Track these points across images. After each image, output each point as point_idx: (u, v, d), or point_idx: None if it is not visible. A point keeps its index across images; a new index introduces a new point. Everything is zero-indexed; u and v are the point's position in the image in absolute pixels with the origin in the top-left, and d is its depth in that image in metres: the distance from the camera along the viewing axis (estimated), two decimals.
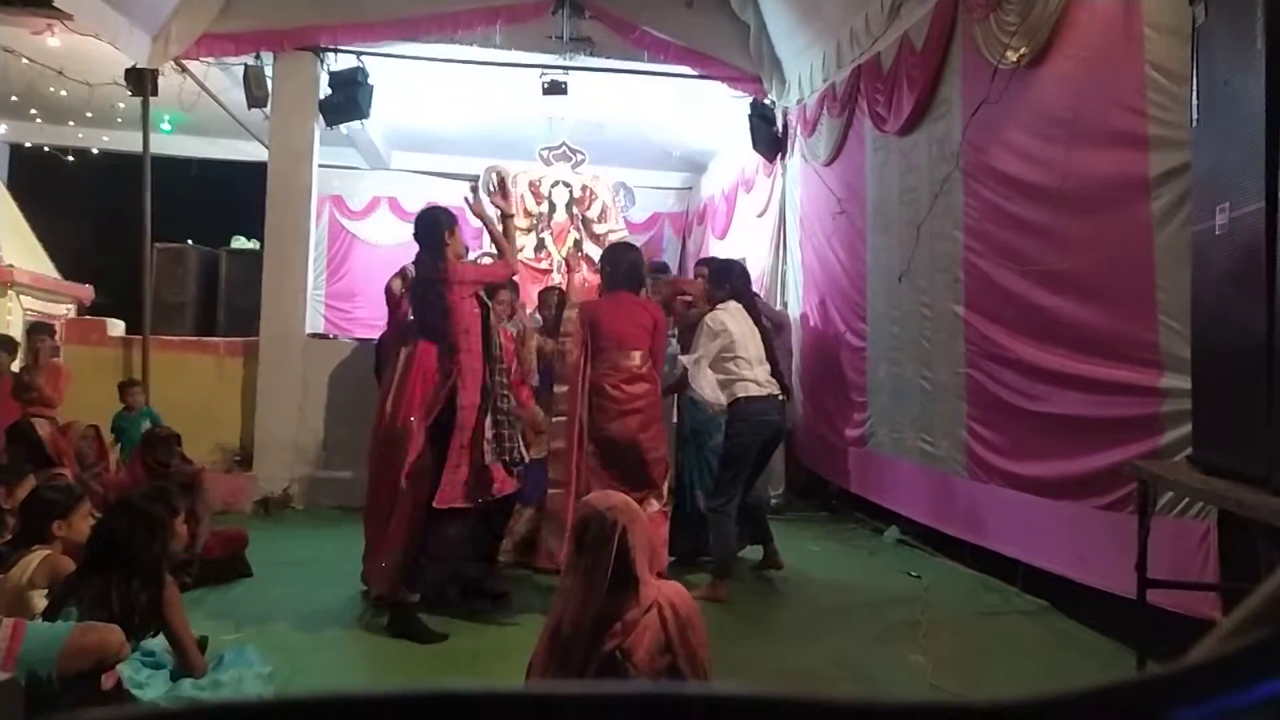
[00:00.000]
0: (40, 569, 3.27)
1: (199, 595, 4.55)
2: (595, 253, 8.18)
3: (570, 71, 7.64)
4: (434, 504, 4.14)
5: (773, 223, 8.32)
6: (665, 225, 12.26)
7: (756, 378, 4.89)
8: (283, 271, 7.44)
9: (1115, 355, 3.94)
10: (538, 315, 6.22)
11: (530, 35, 7.49)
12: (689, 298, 5.48)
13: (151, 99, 7.30)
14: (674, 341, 5.79)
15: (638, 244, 5.79)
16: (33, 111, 9.09)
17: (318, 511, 7.00)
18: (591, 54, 7.60)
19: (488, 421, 4.15)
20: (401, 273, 4.84)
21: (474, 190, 5.22)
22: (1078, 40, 4.25)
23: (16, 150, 10.40)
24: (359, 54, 7.46)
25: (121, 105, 8.17)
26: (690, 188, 12.06)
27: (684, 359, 4.93)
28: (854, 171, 6.73)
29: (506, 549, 4.99)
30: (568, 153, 8.87)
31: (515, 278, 5.35)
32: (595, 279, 5.73)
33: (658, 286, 5.59)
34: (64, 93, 8.22)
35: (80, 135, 9.76)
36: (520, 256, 6.30)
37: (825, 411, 7.18)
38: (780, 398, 5.07)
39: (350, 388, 7.29)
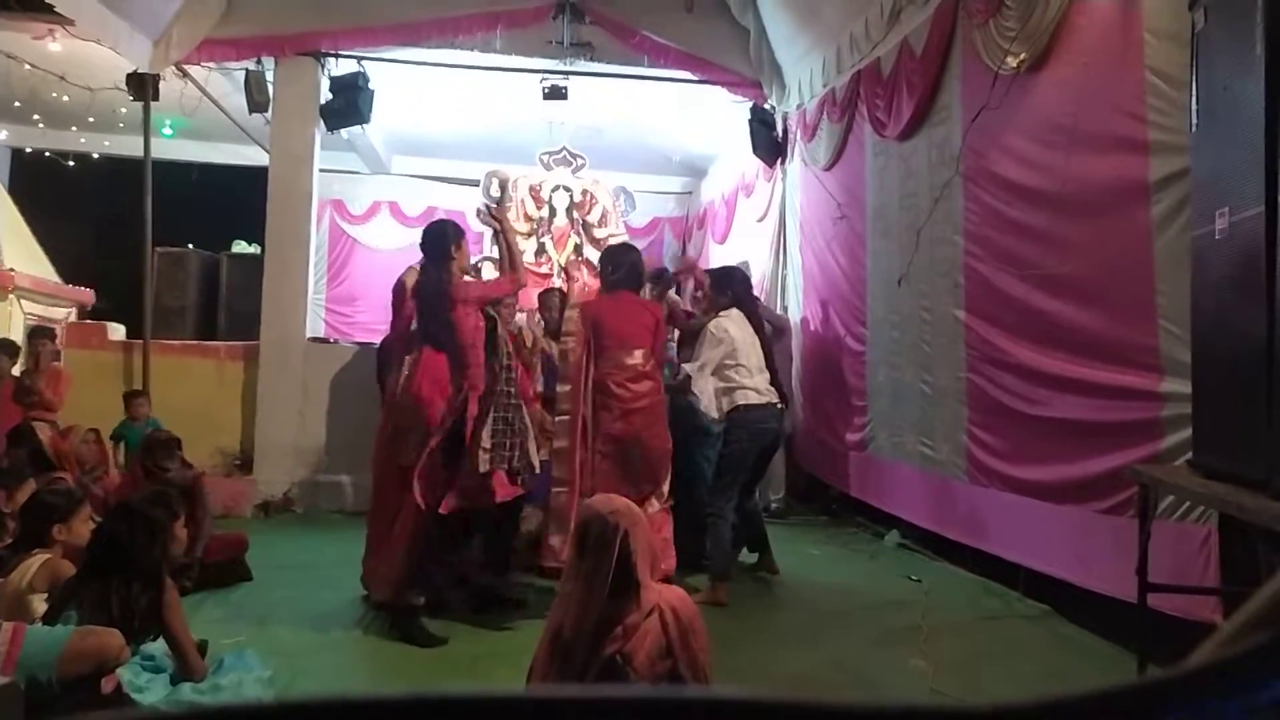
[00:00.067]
0: (40, 573, 3.27)
1: (199, 599, 4.54)
2: (595, 257, 8.18)
3: (570, 76, 7.64)
4: (438, 510, 4.15)
5: (773, 227, 8.32)
6: (665, 230, 12.26)
7: (757, 386, 4.93)
8: (283, 276, 7.44)
9: (1115, 359, 3.94)
10: (539, 317, 6.22)
11: (530, 40, 7.49)
12: (695, 294, 5.52)
13: (153, 104, 7.30)
14: (673, 346, 5.81)
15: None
16: (35, 117, 9.10)
17: (318, 515, 7.00)
18: (591, 59, 7.60)
19: (485, 431, 4.16)
20: (413, 270, 4.82)
21: (488, 208, 5.22)
22: (1077, 46, 4.25)
23: (18, 155, 10.41)
24: (360, 59, 7.47)
25: (123, 110, 8.18)
26: (690, 192, 12.07)
27: (687, 366, 4.94)
28: (854, 176, 6.74)
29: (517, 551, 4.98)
30: (568, 157, 8.87)
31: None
32: (595, 283, 5.72)
33: (658, 291, 5.60)
34: (66, 98, 8.23)
35: (82, 140, 9.77)
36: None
37: (825, 416, 7.18)
38: (779, 406, 5.09)
39: (351, 392, 7.29)
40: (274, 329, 7.41)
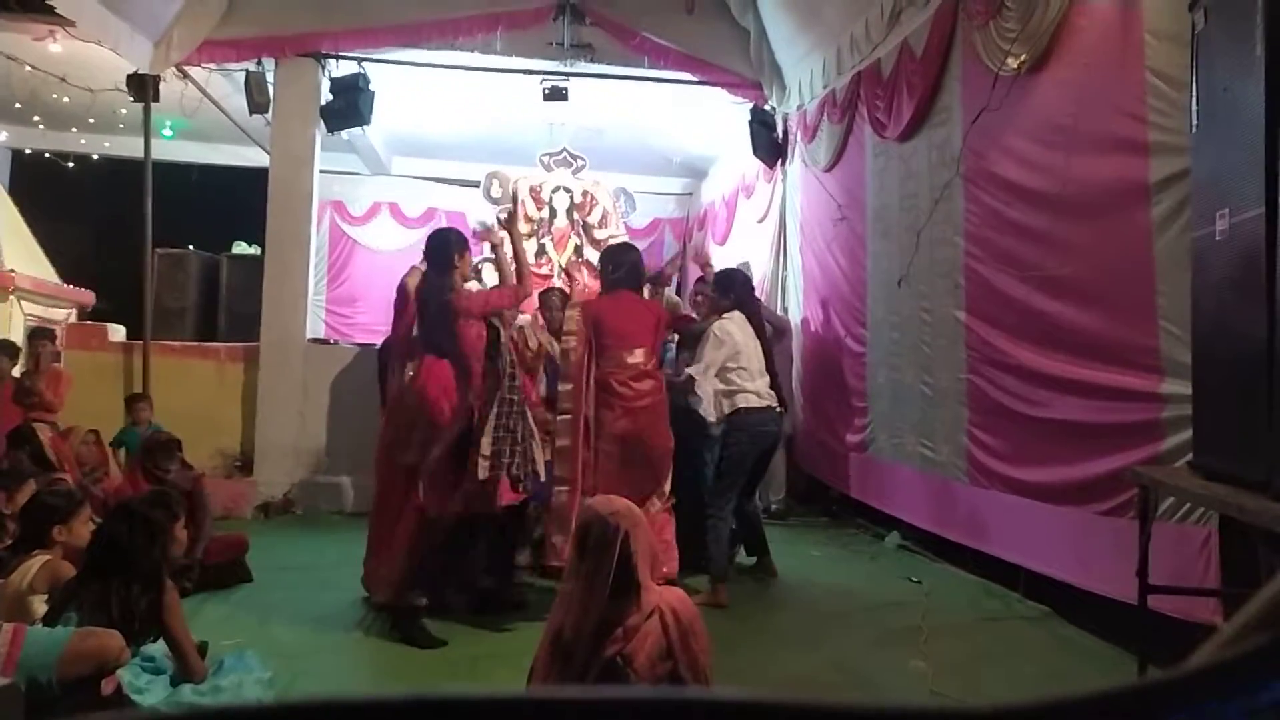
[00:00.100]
0: (40, 574, 3.27)
1: (199, 600, 4.54)
2: (595, 259, 8.18)
3: (571, 77, 7.64)
4: (431, 511, 4.17)
5: (773, 228, 8.32)
6: (666, 231, 12.26)
7: (758, 389, 4.96)
8: (283, 277, 7.45)
9: (1116, 360, 3.94)
10: (541, 318, 6.22)
11: (531, 41, 7.50)
12: (696, 298, 5.51)
13: (153, 105, 7.31)
14: (670, 347, 5.82)
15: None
16: (35, 118, 9.10)
17: (318, 517, 7.00)
18: (592, 60, 7.61)
19: (485, 439, 4.18)
20: (416, 270, 4.82)
21: (499, 219, 5.24)
22: (1078, 47, 4.25)
23: (18, 156, 10.41)
24: (360, 60, 7.47)
25: (123, 111, 8.19)
26: (690, 193, 12.07)
27: (691, 369, 4.94)
28: (854, 177, 6.74)
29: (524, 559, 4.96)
30: (568, 158, 8.87)
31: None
32: (594, 284, 5.74)
33: (656, 292, 5.61)
34: (66, 99, 8.23)
35: (82, 141, 9.78)
36: None
37: (826, 417, 7.18)
38: (778, 410, 5.13)
39: (351, 393, 7.29)
40: (274, 330, 7.41)
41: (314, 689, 3.55)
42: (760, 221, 8.67)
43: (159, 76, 7.22)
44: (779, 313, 7.81)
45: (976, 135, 5.00)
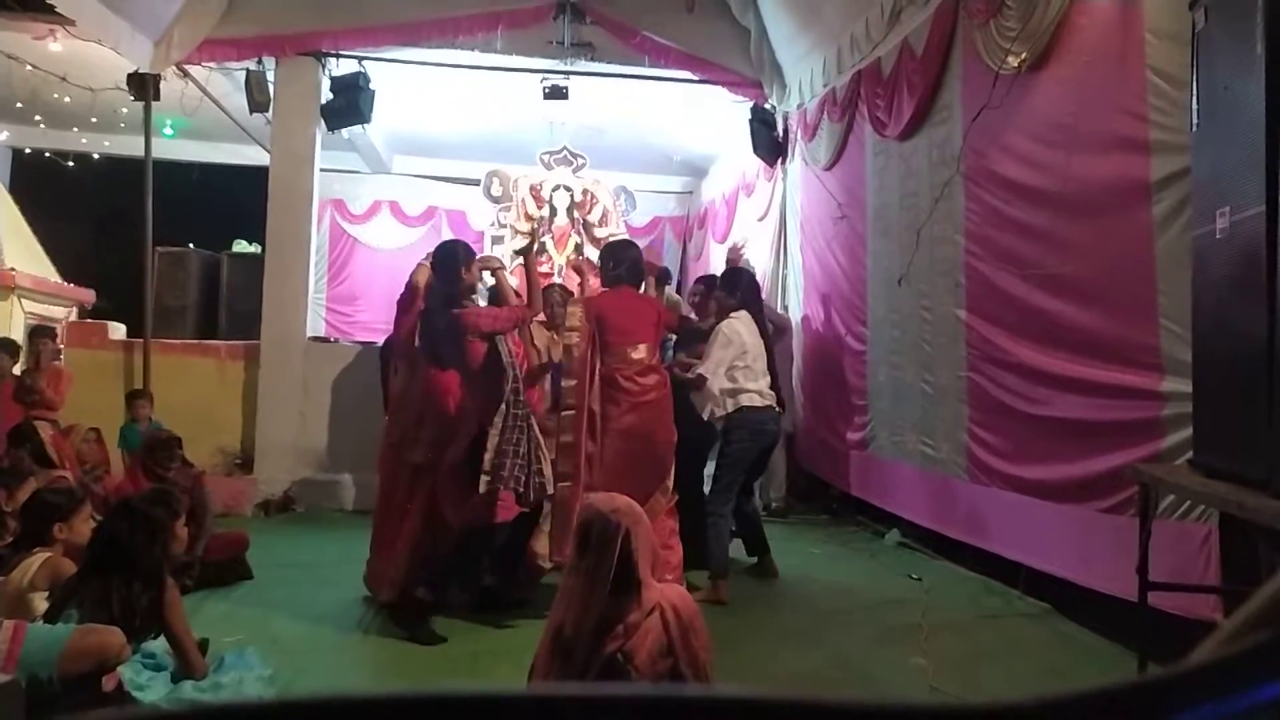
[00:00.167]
0: (41, 571, 3.28)
1: (200, 597, 4.55)
2: (596, 257, 8.18)
3: (571, 76, 7.64)
4: (452, 520, 4.27)
5: (773, 227, 8.32)
6: (666, 229, 12.26)
7: (760, 389, 5.03)
8: (284, 275, 7.44)
9: (1116, 359, 3.94)
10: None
11: (531, 40, 7.49)
12: (693, 299, 5.52)
13: (154, 104, 7.31)
14: (669, 344, 5.83)
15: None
16: (36, 117, 9.09)
17: (318, 514, 7.00)
18: (592, 59, 7.60)
19: (487, 456, 4.20)
20: (424, 268, 4.81)
21: (517, 251, 5.30)
22: (1078, 45, 4.25)
23: (18, 155, 10.41)
24: (360, 59, 7.47)
25: (124, 110, 8.18)
26: (691, 192, 12.07)
27: (700, 368, 4.95)
28: (854, 176, 6.74)
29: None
30: (569, 157, 8.88)
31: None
32: (595, 282, 5.73)
33: (659, 291, 5.63)
34: (67, 98, 8.23)
35: (83, 140, 9.77)
36: None
37: (826, 415, 7.18)
38: (778, 410, 5.19)
39: (351, 391, 7.30)
40: (275, 328, 7.41)
41: (315, 686, 3.55)
42: (760, 220, 8.67)
43: (159, 75, 7.21)
44: (779, 311, 7.81)
45: (977, 134, 5.00)
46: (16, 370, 6.37)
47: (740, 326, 5.04)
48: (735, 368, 4.95)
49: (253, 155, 9.10)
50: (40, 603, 3.15)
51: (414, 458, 4.44)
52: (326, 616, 4.42)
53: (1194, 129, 2.91)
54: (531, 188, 8.80)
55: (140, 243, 7.49)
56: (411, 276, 4.85)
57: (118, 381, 7.28)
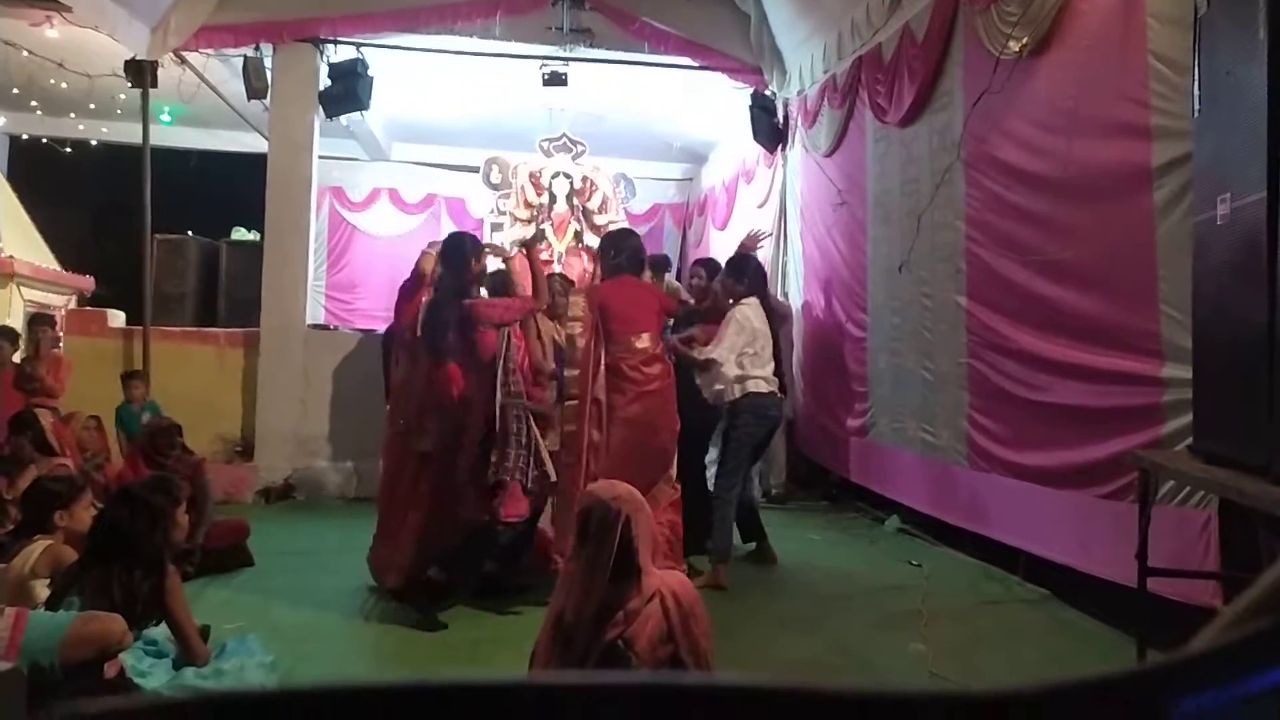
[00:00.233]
0: (42, 559, 3.28)
1: (201, 585, 4.56)
2: (595, 244, 8.16)
3: (570, 63, 7.61)
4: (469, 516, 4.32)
5: (773, 214, 8.30)
6: (666, 216, 12.24)
7: (766, 375, 5.06)
8: (283, 263, 7.44)
9: (1117, 345, 3.94)
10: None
11: (530, 26, 7.46)
12: (692, 281, 5.53)
13: (151, 90, 7.28)
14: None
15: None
16: (33, 103, 9.07)
17: (319, 502, 7.02)
18: (591, 45, 7.56)
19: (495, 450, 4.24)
20: (429, 255, 4.80)
21: (521, 242, 5.30)
22: (1079, 30, 4.23)
23: (15, 141, 10.38)
24: (358, 45, 7.43)
25: (121, 97, 8.15)
26: (691, 179, 12.04)
27: (716, 353, 4.95)
28: (855, 162, 6.72)
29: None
30: (568, 144, 8.85)
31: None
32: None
33: (657, 279, 5.64)
34: (64, 84, 8.19)
35: (80, 127, 9.74)
36: None
37: (826, 401, 7.18)
38: (780, 396, 5.23)
39: (351, 379, 7.30)
40: (274, 316, 7.40)
41: (316, 673, 3.57)
42: (761, 207, 8.65)
43: (157, 62, 7.18)
44: (780, 298, 7.80)
45: (978, 119, 4.98)
46: (16, 358, 6.37)
47: (751, 313, 5.08)
48: (744, 354, 4.99)
49: (251, 142, 9.08)
50: (41, 590, 3.16)
51: (422, 446, 4.45)
52: (327, 603, 4.43)
53: (1196, 114, 2.90)
54: (531, 175, 8.77)
55: (139, 230, 7.48)
56: (418, 264, 4.84)
57: (117, 369, 7.27)
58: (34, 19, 7.00)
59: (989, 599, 4.61)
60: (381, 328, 7.47)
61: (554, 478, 4.44)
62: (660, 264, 6.52)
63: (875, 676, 3.65)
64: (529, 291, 4.71)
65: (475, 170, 9.25)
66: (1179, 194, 3.54)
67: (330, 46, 7.47)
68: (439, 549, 4.36)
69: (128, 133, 8.36)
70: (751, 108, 7.99)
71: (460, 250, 4.54)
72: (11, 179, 9.36)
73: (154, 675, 3.07)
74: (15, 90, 8.64)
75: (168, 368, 7.31)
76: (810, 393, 7.53)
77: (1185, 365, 3.25)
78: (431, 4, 7.24)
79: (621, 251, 4.82)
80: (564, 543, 4.31)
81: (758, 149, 8.47)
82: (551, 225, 8.78)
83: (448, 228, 9.99)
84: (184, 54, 7.40)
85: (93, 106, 8.67)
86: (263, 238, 7.62)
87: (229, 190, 9.82)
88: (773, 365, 5.15)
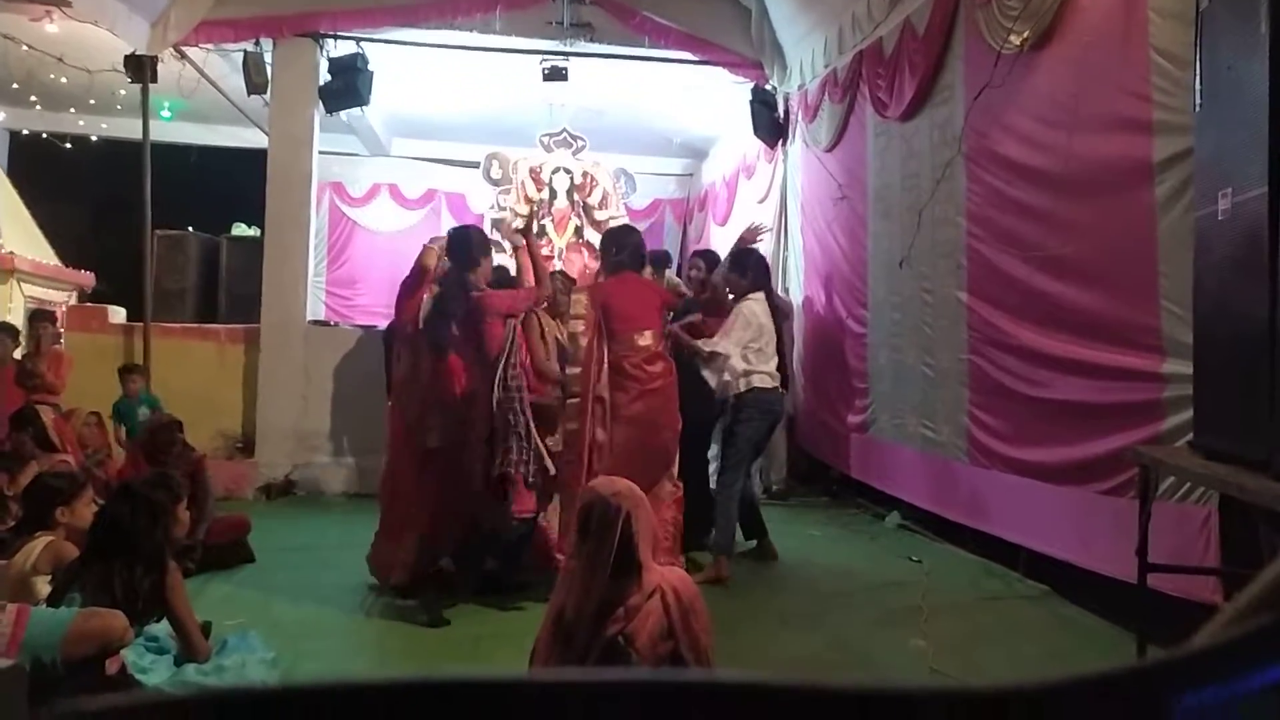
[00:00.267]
0: (44, 555, 3.29)
1: (202, 581, 4.57)
2: (596, 240, 8.15)
3: (570, 57, 7.60)
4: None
5: (774, 209, 8.29)
6: (666, 212, 12.23)
7: (770, 370, 5.08)
8: (283, 258, 7.43)
9: (1118, 341, 3.94)
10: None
11: (530, 21, 7.45)
12: (690, 273, 5.52)
13: (151, 86, 7.27)
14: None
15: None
16: (33, 98, 9.05)
17: (319, 498, 7.02)
18: (592, 40, 7.56)
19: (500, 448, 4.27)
20: (431, 251, 4.76)
21: (516, 229, 5.30)
22: (1081, 25, 4.23)
23: (15, 137, 10.37)
24: (358, 40, 7.43)
25: (121, 92, 8.13)
26: (691, 174, 12.03)
27: (718, 344, 4.96)
28: (855, 157, 6.71)
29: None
30: (568, 139, 8.83)
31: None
32: (594, 265, 5.74)
33: (657, 275, 5.64)
34: (63, 79, 8.18)
35: (80, 122, 9.73)
36: None
37: (827, 397, 7.18)
38: (783, 392, 5.27)
39: (351, 375, 7.30)
40: (274, 312, 7.40)
41: (317, 669, 3.57)
42: (761, 202, 8.64)
43: (157, 57, 7.17)
44: (780, 293, 7.80)
45: (979, 114, 4.98)
46: (17, 354, 6.37)
47: (757, 308, 5.10)
48: (749, 349, 5.00)
49: (251, 138, 9.07)
50: (43, 587, 3.16)
51: (430, 442, 4.45)
52: (328, 599, 4.44)
53: (1197, 109, 2.90)
54: (531, 170, 8.76)
55: (139, 226, 7.48)
56: (420, 259, 4.78)
57: (118, 365, 7.26)
58: (34, 14, 6.98)
59: (989, 595, 4.61)
60: (382, 324, 7.47)
61: (554, 472, 4.45)
62: (660, 260, 6.51)
63: (875, 673, 3.66)
64: (534, 282, 4.72)
65: (475, 165, 9.23)
66: (1180, 189, 3.53)
67: (330, 41, 7.47)
68: (447, 544, 4.37)
69: (128, 128, 8.36)
70: (752, 102, 7.98)
71: (467, 244, 4.56)
72: (11, 175, 9.35)
73: (155, 672, 3.07)
74: (15, 85, 8.63)
75: (168, 364, 7.31)
76: (811, 389, 7.53)
77: (1186, 361, 3.25)
78: None
79: (623, 248, 4.82)
80: (566, 540, 4.33)
81: (758, 144, 8.46)
82: (552, 221, 8.76)
83: (448, 223, 10.00)
84: (184, 49, 7.39)
85: (93, 102, 8.66)
86: (263, 233, 7.61)
87: (229, 186, 9.81)
88: (776, 360, 5.16)
